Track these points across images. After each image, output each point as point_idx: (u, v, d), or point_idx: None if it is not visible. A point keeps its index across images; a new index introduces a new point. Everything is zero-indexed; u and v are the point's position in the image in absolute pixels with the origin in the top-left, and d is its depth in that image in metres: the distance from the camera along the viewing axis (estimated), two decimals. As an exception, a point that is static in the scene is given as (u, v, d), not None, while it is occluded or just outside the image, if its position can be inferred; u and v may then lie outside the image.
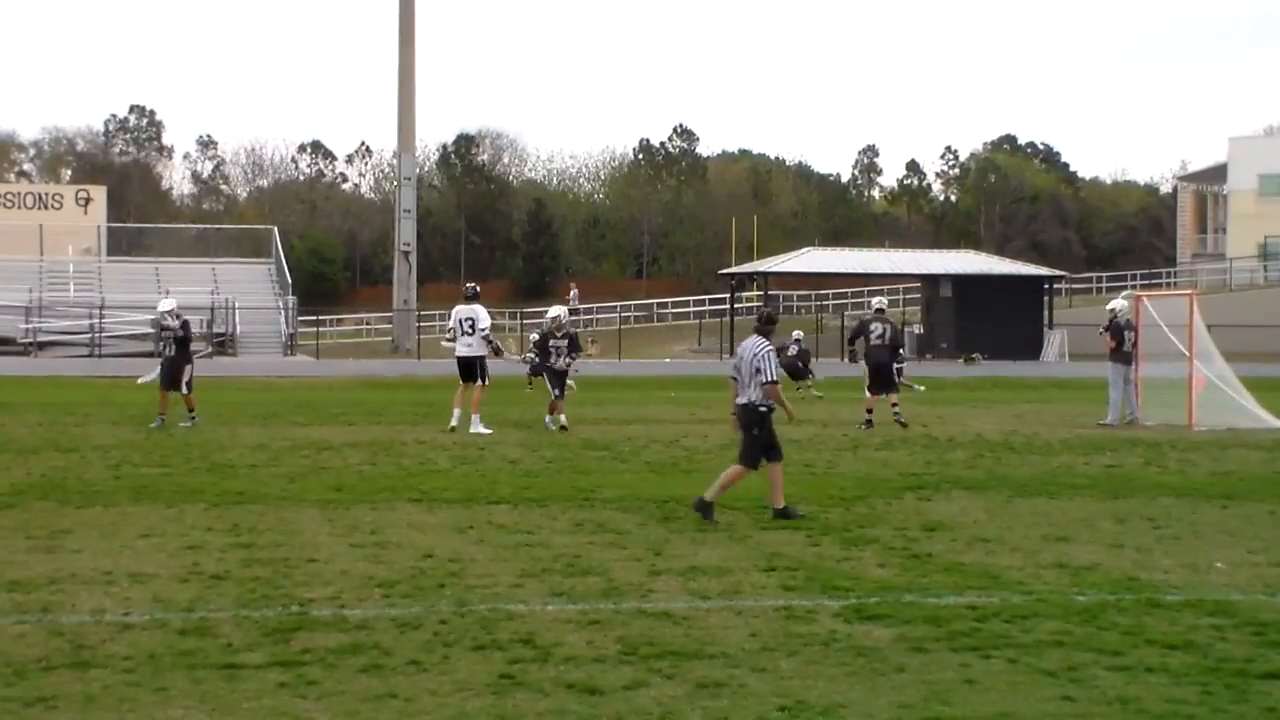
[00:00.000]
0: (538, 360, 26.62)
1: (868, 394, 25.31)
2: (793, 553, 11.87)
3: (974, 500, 15.35)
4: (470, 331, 23.86)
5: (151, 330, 61.39)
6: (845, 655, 8.44)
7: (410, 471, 17.56)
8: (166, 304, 25.89)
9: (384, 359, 62.63)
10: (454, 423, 23.17)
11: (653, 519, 13.73)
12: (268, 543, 12.13)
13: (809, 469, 18.31)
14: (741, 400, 14.21)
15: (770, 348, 14.26)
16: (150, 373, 25.29)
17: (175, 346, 24.72)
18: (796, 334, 39.06)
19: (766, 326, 14.64)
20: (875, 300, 29.00)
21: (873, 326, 25.69)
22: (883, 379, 25.26)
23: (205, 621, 9.06)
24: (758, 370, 14.00)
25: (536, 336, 29.54)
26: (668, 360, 62.16)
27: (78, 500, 14.64)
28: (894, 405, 25.25)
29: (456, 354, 24.09)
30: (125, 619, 9.13)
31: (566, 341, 24.92)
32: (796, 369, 36.40)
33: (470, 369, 23.70)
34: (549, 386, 24.70)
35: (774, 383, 14.03)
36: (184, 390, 24.36)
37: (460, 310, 24.26)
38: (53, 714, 7.14)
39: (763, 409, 14.03)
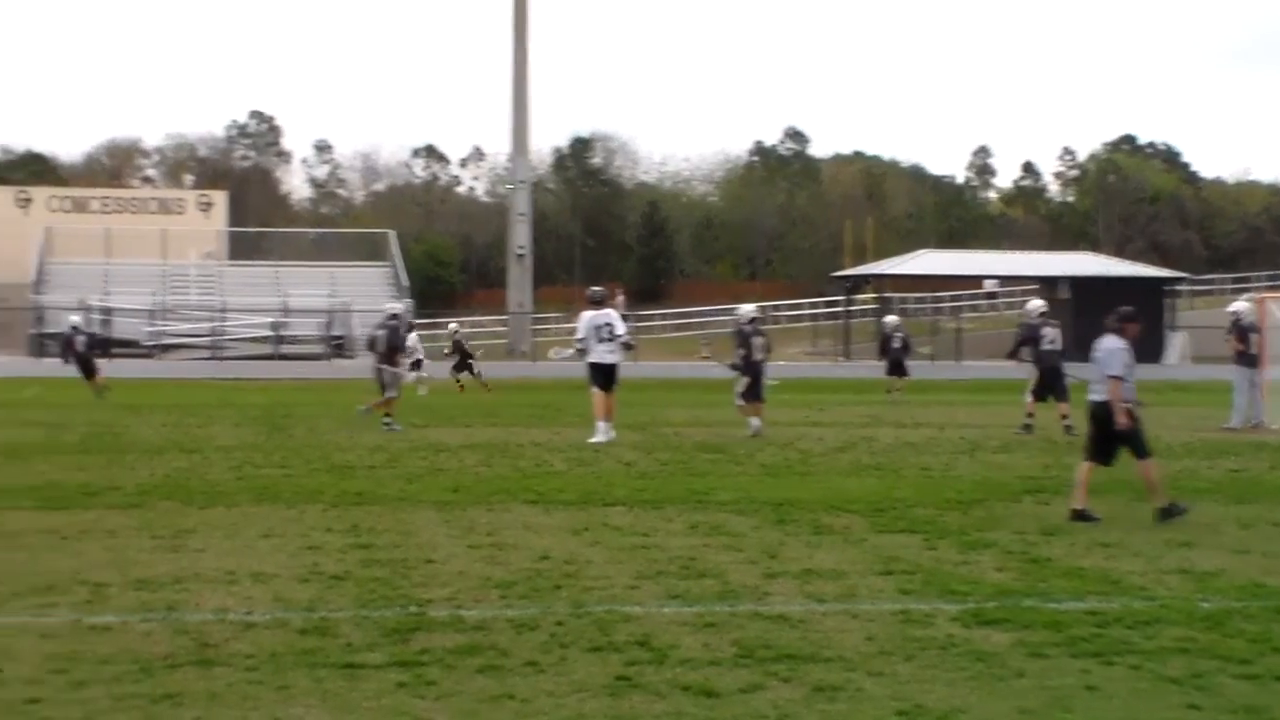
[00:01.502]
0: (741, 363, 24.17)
1: (1030, 398, 24.59)
2: (909, 556, 11.79)
3: (1094, 504, 15.12)
4: (610, 337, 22.70)
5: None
6: (963, 660, 8.37)
7: (526, 473, 17.62)
8: (396, 306, 26.24)
9: (500, 361, 62.94)
10: (601, 437, 21.91)
11: (768, 522, 13.69)
12: (386, 543, 12.23)
13: (926, 472, 18.18)
14: (1095, 398, 14.19)
15: (1122, 346, 14.19)
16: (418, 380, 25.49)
17: (386, 349, 25.05)
18: (891, 319, 38.04)
19: (1120, 324, 14.53)
20: (1034, 303, 26.76)
21: (1044, 331, 24.77)
22: (1055, 385, 24.39)
23: (325, 621, 9.15)
24: (1104, 366, 14.02)
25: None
26: (781, 363, 61.95)
27: (201, 500, 14.83)
28: (1064, 416, 23.92)
29: (593, 361, 22.63)
30: (248, 618, 9.24)
31: (763, 340, 24.03)
32: (900, 364, 35.30)
33: (610, 376, 22.52)
34: (742, 390, 23.55)
35: (1116, 378, 13.97)
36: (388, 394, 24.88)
37: (595, 316, 22.82)
38: (178, 710, 7.24)
39: (1128, 403, 13.97)
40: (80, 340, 34.80)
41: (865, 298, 77.95)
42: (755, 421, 23.13)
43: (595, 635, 8.84)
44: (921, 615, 9.51)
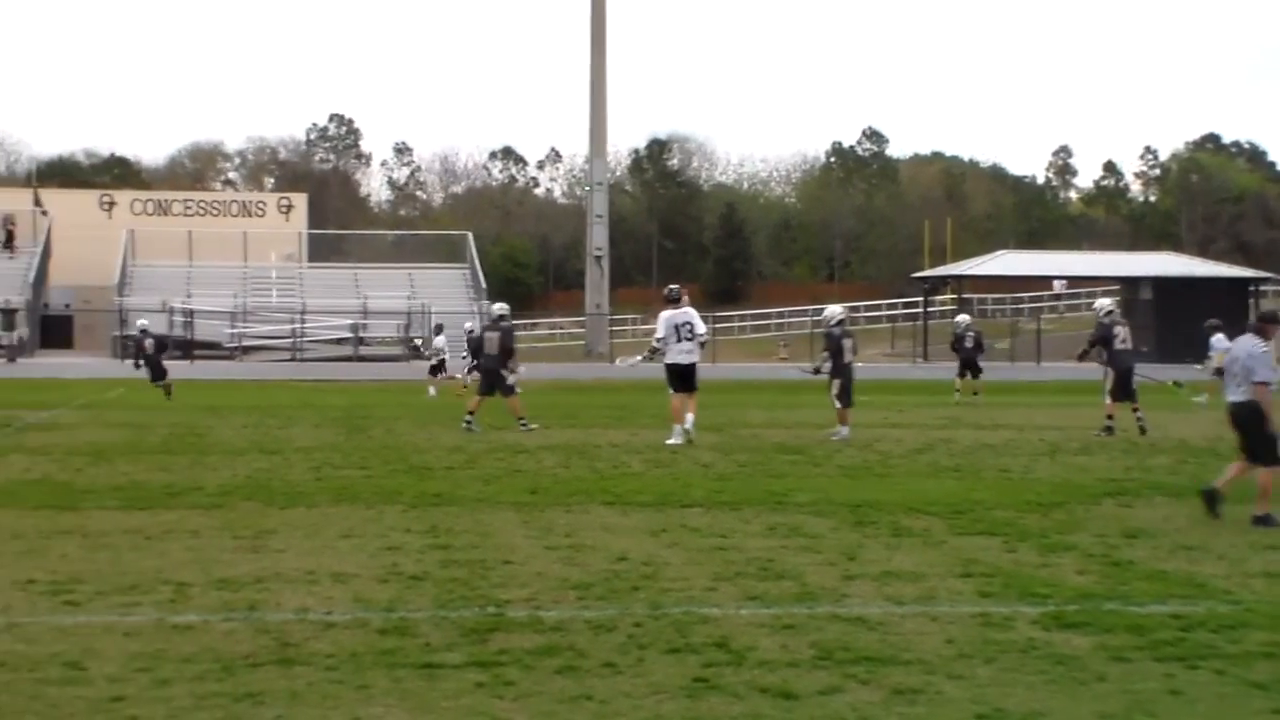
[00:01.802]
0: (826, 366, 23.75)
1: (1108, 399, 24.29)
2: (989, 559, 11.72)
3: (1177, 507, 15.01)
4: (690, 337, 22.23)
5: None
6: (1044, 663, 8.30)
7: (604, 475, 17.64)
8: (501, 307, 26.38)
9: (577, 362, 63.09)
10: (678, 439, 21.50)
11: (846, 523, 13.64)
12: (464, 544, 12.26)
13: (1005, 474, 18.05)
14: (1234, 399, 14.11)
15: (1265, 348, 14.08)
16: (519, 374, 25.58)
17: (500, 351, 25.17)
18: (963, 318, 37.64)
19: (1260, 325, 14.42)
20: (1101, 301, 26.57)
21: (1117, 330, 24.51)
22: (1129, 385, 24.20)
23: (405, 621, 9.19)
24: (1249, 370, 13.90)
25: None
26: (859, 364, 61.75)
27: (282, 501, 14.93)
28: (1136, 411, 24.03)
29: (671, 362, 22.17)
30: (328, 617, 9.29)
31: (851, 341, 23.54)
32: (974, 363, 34.87)
33: (689, 378, 22.08)
34: (836, 392, 23.13)
35: (1264, 384, 13.86)
36: (509, 394, 25.02)
37: (674, 315, 22.31)
38: (259, 709, 7.29)
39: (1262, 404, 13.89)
40: (149, 343, 35.13)
41: (944, 299, 77.63)
42: (843, 429, 22.70)
43: (673, 636, 8.83)
44: (1001, 618, 9.44)
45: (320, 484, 16.43)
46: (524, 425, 24.30)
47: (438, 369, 37.27)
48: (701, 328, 22.57)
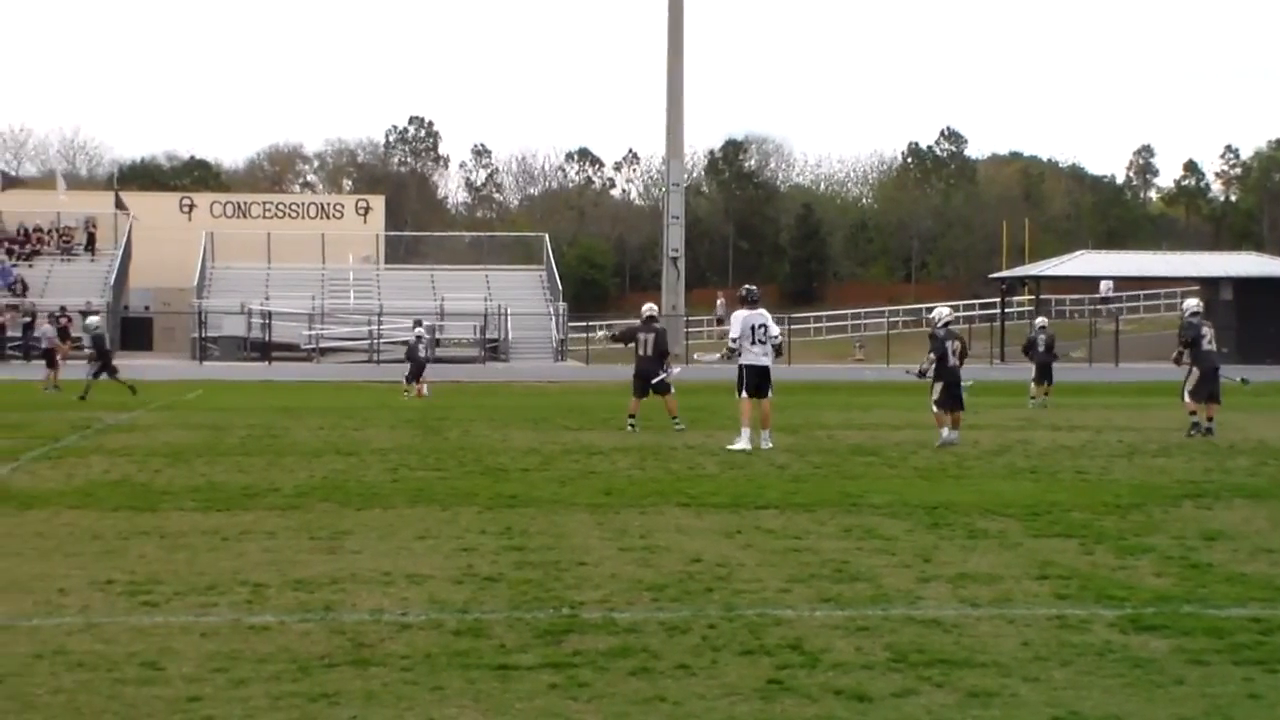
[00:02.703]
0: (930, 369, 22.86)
1: (1188, 399, 24.02)
2: (1066, 561, 11.63)
3: (1257, 509, 14.85)
4: (764, 340, 21.82)
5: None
6: (1121, 666, 8.23)
7: (678, 476, 17.63)
8: (650, 308, 26.37)
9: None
10: (746, 443, 20.98)
11: (921, 525, 13.57)
12: (539, 545, 12.29)
13: (1082, 475, 17.91)
14: None
15: None
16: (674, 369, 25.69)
17: (655, 351, 25.34)
18: (1041, 321, 37.12)
19: None
20: (1191, 302, 26.46)
21: (1204, 330, 24.31)
22: (1213, 385, 23.90)
23: (479, 622, 9.22)
24: None
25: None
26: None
27: (358, 502, 15.01)
28: (1209, 419, 23.64)
29: (748, 363, 21.69)
30: (403, 618, 9.33)
31: (958, 343, 22.89)
32: (1048, 368, 34.40)
33: (765, 381, 21.69)
34: (937, 396, 22.36)
35: None
36: (664, 393, 25.25)
37: (750, 316, 21.79)
38: (335, 710, 7.33)
39: None
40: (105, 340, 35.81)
41: (1022, 299, 77.09)
42: (946, 432, 21.91)
43: (747, 638, 8.82)
44: (1078, 620, 9.37)
45: (396, 485, 16.50)
46: (677, 425, 24.45)
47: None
48: (776, 330, 22.28)
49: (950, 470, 18.44)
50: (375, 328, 63.02)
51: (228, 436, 23.00)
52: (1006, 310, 71.51)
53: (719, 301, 78.16)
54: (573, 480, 17.08)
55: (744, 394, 21.56)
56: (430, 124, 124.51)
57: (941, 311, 23.75)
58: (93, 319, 37.17)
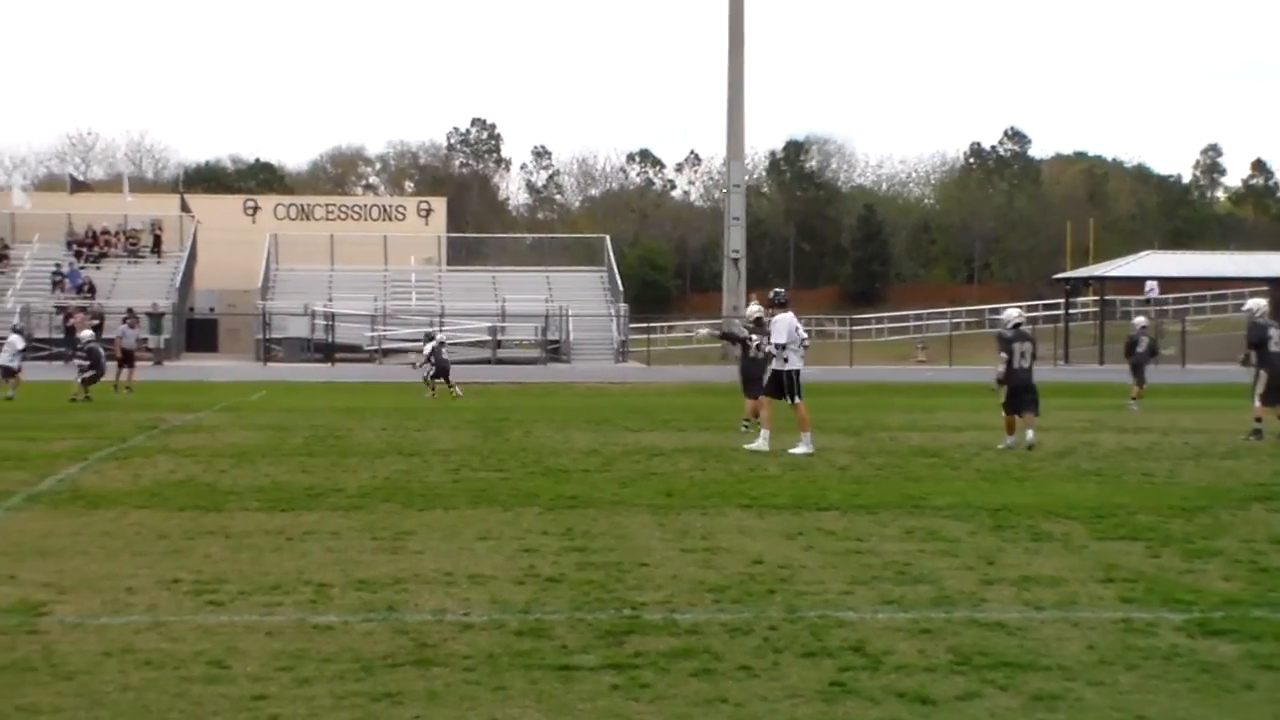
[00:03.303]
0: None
1: (1258, 403, 23.62)
2: (1131, 564, 11.54)
3: (1323, 513, 14.70)
4: (802, 343, 21.67)
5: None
6: (1188, 670, 8.16)
7: (740, 477, 17.61)
8: (755, 309, 26.46)
9: (714, 365, 63.04)
10: (809, 446, 20.52)
11: (984, 527, 13.51)
12: (600, 546, 12.30)
13: (1149, 478, 17.78)
14: None
15: None
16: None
17: (742, 351, 25.43)
18: (1139, 320, 36.52)
19: None
20: (1254, 302, 25.84)
21: (1271, 332, 23.85)
22: None
23: (541, 623, 9.23)
24: None
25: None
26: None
27: (420, 503, 15.05)
28: None
29: (795, 368, 21.30)
30: (465, 619, 9.36)
31: (1028, 345, 22.20)
32: (1141, 368, 33.88)
33: (791, 385, 21.23)
34: (1005, 399, 21.88)
35: None
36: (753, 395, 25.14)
37: (792, 320, 21.62)
38: (398, 709, 7.36)
39: None
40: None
41: (1086, 300, 76.64)
42: (1010, 438, 21.52)
43: (809, 640, 8.80)
44: (1144, 624, 9.30)
45: (458, 486, 16.55)
46: (746, 426, 24.42)
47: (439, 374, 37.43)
48: (803, 332, 21.91)
49: (1014, 472, 18.34)
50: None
51: (292, 437, 23.12)
52: (1071, 311, 71.06)
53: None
54: (634, 481, 17.08)
55: (800, 399, 21.18)
56: (492, 126, 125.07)
57: (1011, 313, 23.34)
58: (86, 333, 37.34)
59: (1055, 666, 8.22)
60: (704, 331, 23.89)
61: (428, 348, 38.19)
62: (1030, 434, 21.48)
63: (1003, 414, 21.98)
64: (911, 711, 7.36)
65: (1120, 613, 9.68)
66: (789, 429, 21.08)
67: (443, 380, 36.52)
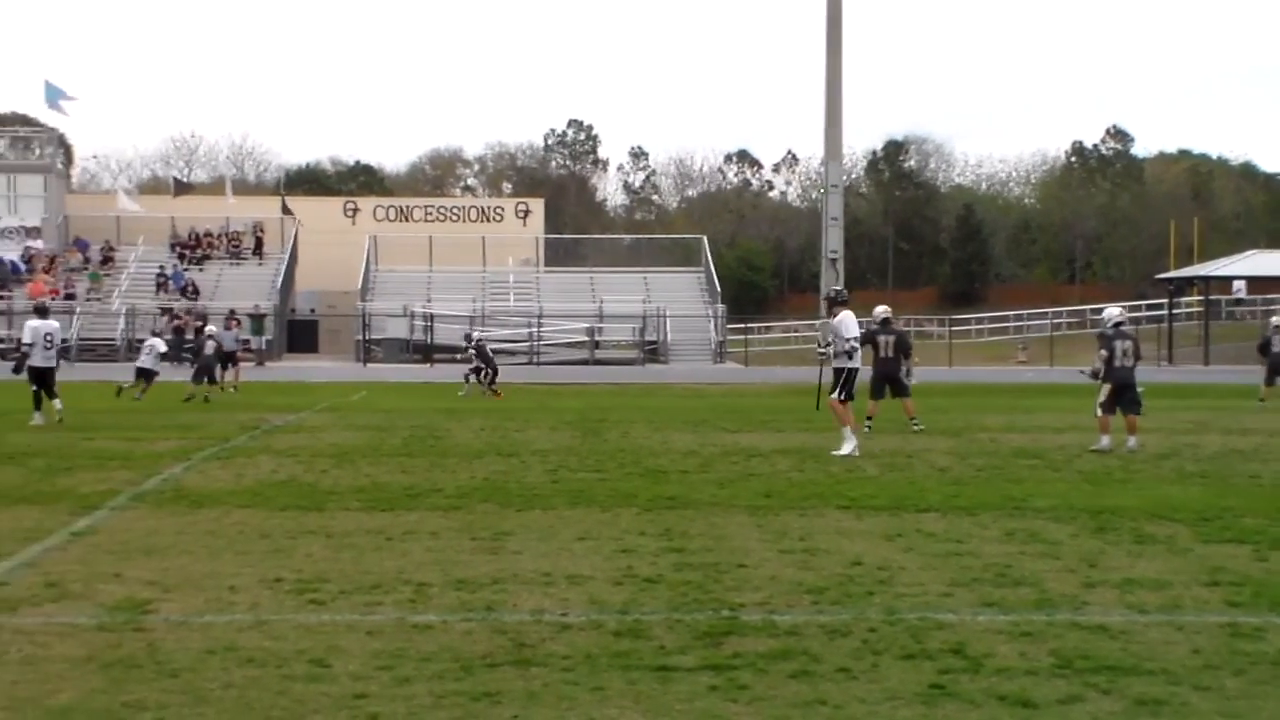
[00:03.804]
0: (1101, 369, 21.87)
1: None
2: (1238, 567, 11.39)
3: None
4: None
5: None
6: (1296, 676, 8.05)
7: (838, 478, 17.53)
8: (883, 309, 26.53)
9: (812, 366, 62.80)
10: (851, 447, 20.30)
11: (1086, 530, 13.37)
12: (698, 547, 12.29)
13: (1255, 480, 17.54)
14: None
15: None
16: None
17: (897, 352, 25.56)
18: (1276, 320, 35.08)
19: None
20: None
21: None
22: None
23: (639, 623, 9.24)
24: None
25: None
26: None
27: (518, 503, 15.10)
28: None
29: (857, 366, 21.21)
30: (563, 619, 9.38)
31: (1129, 344, 21.84)
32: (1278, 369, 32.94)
33: (849, 384, 20.88)
34: (1103, 399, 21.48)
35: None
36: (904, 394, 25.42)
37: (853, 318, 21.36)
38: (496, 709, 7.39)
39: None
40: (209, 345, 36.02)
41: (1190, 300, 75.74)
42: (1105, 439, 21.11)
43: (908, 642, 8.75)
44: (1251, 629, 9.17)
45: (556, 487, 16.58)
46: (916, 425, 24.42)
47: (477, 374, 37.47)
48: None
49: (1116, 474, 18.15)
50: (535, 330, 63.44)
51: (391, 437, 23.27)
52: (1175, 312, 70.24)
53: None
54: (732, 482, 17.06)
55: (851, 399, 20.87)
56: (589, 127, 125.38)
57: (1112, 311, 22.96)
58: (210, 332, 37.80)
59: (1159, 671, 8.12)
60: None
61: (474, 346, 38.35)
62: (1133, 440, 21.12)
63: (1098, 414, 21.59)
64: (1012, 715, 7.30)
65: (1226, 617, 9.55)
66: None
67: (485, 379, 36.75)
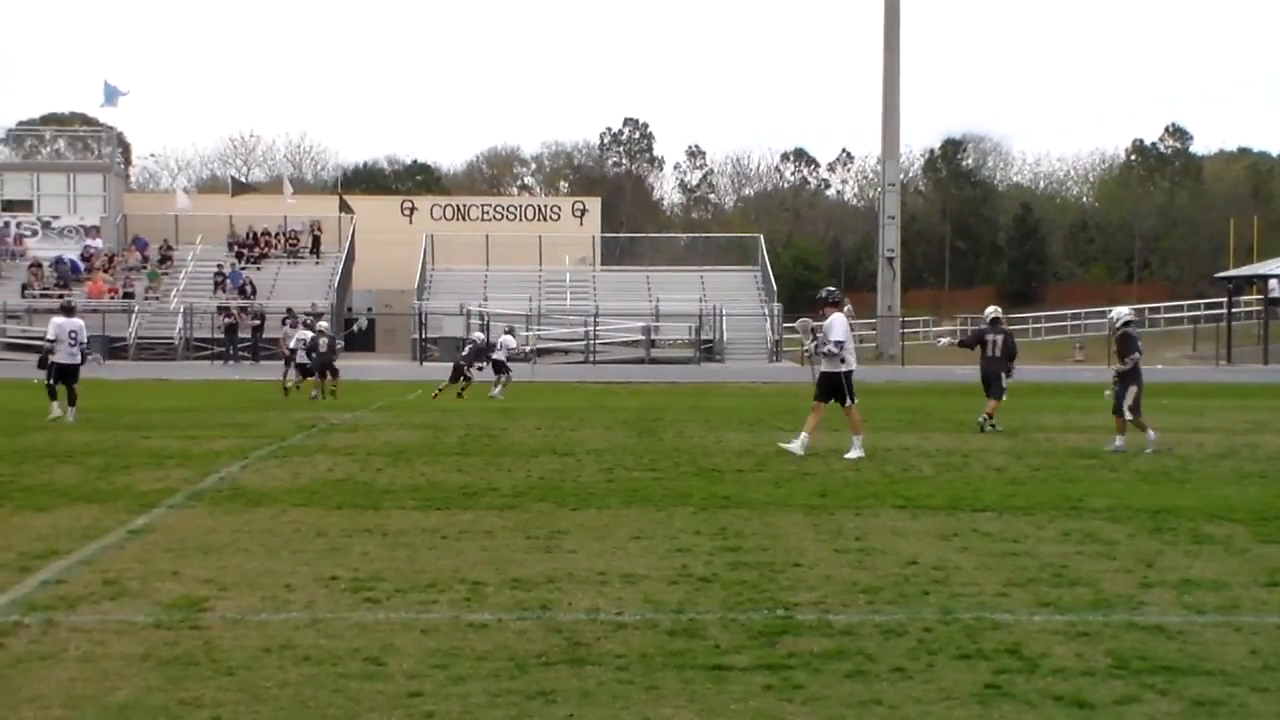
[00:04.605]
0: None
1: None
2: (1296, 568, 11.30)
3: None
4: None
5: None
6: (1356, 678, 7.98)
7: (893, 478, 17.49)
8: (993, 310, 26.53)
9: (868, 365, 62.69)
10: (863, 450, 19.94)
11: (1143, 530, 13.30)
12: (753, 546, 12.28)
13: (1314, 481, 17.40)
14: None
15: None
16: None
17: (1001, 353, 25.59)
18: None
19: None
20: None
21: None
22: None
23: (694, 623, 9.24)
24: None
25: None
26: (1160, 367, 60.14)
27: (573, 502, 15.12)
28: None
29: (851, 369, 20.57)
30: (618, 618, 9.39)
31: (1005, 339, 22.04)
32: None
33: (847, 387, 20.43)
34: (1118, 401, 21.30)
35: None
36: (998, 396, 25.46)
37: (845, 319, 20.69)
38: (551, 708, 7.40)
39: None
40: (323, 342, 36.10)
41: (1249, 299, 75.16)
42: (1119, 441, 21.12)
43: (964, 642, 8.73)
44: (1310, 630, 9.10)
45: (611, 486, 16.59)
46: (992, 425, 24.43)
47: (500, 368, 37.31)
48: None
49: (1174, 474, 18.04)
50: (592, 328, 63.53)
51: (446, 436, 23.34)
52: (1234, 311, 69.71)
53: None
54: (787, 482, 17.03)
55: (854, 401, 20.46)
56: (645, 125, 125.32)
57: (1121, 311, 22.81)
58: (302, 333, 37.77)
59: (1217, 672, 8.07)
60: (945, 341, 23.45)
61: (508, 340, 38.21)
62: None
63: (1129, 416, 21.36)
64: (1069, 715, 7.27)
65: (1285, 618, 9.48)
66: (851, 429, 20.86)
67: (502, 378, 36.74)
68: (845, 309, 21.01)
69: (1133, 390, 21.44)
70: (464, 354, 37.42)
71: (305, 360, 36.15)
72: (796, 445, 20.09)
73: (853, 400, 20.49)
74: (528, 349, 39.70)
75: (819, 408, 20.56)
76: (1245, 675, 8.01)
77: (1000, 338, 25.72)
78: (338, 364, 36.22)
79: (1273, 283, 74.47)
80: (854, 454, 19.85)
